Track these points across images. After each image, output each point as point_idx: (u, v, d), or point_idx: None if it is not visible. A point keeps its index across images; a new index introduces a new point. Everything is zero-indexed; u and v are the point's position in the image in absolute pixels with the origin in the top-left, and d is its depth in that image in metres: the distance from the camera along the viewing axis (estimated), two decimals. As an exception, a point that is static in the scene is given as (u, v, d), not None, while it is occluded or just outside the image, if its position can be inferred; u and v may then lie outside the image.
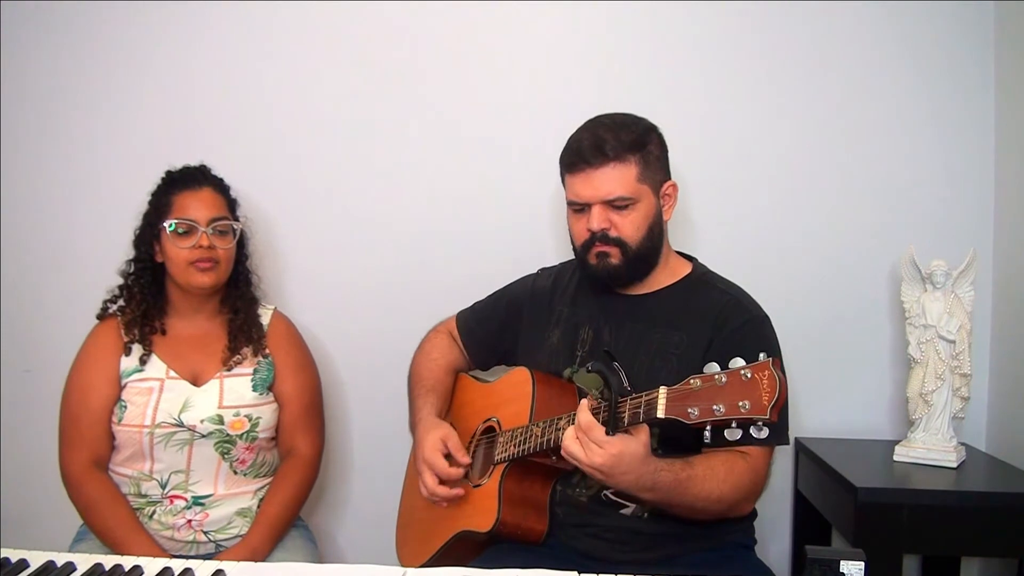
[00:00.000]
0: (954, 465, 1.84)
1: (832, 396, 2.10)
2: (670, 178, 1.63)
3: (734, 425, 1.18)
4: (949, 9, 2.07)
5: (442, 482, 1.58)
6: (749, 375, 1.17)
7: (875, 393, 2.11)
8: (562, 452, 1.35)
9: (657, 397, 1.25)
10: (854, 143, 2.10)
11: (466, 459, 1.61)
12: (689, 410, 1.21)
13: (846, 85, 2.09)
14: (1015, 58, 2.01)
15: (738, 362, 1.20)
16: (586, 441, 1.31)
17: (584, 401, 1.34)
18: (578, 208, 1.59)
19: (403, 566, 1.76)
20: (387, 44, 2.15)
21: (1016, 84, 2.01)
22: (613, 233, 1.56)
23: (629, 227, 1.56)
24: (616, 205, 1.55)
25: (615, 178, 1.54)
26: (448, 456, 1.60)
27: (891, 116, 2.09)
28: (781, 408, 1.17)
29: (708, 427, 1.20)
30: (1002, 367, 2.04)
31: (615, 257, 1.57)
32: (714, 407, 1.18)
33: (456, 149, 2.16)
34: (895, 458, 1.89)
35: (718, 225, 2.11)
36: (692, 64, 2.12)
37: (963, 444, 1.92)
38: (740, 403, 1.16)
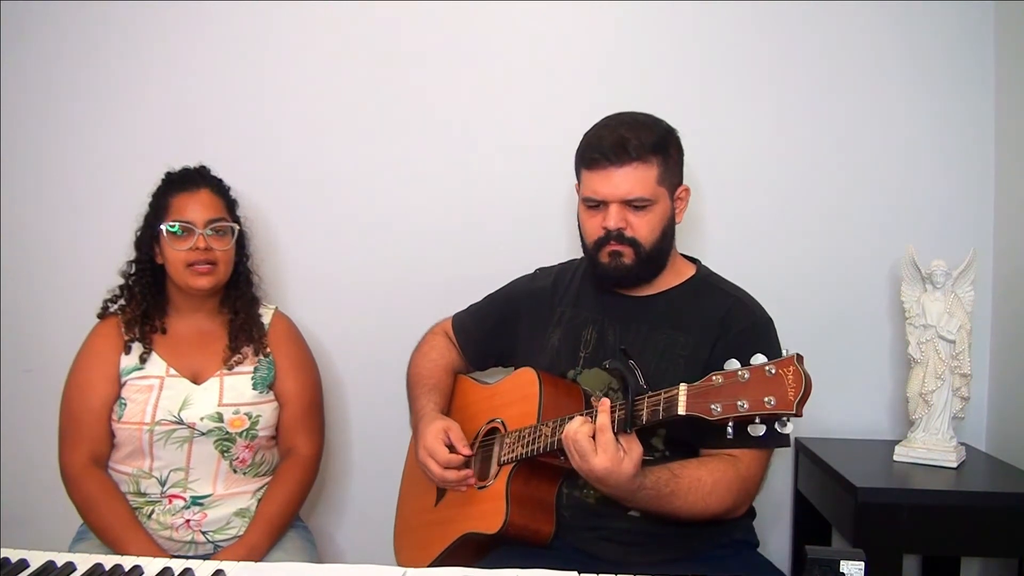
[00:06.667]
0: (954, 465, 1.84)
1: (832, 396, 2.08)
2: (683, 182, 1.63)
3: (758, 421, 1.18)
4: (949, 9, 2.06)
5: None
6: (773, 371, 1.16)
7: (875, 393, 2.11)
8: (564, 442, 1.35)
9: (677, 394, 1.25)
10: (854, 143, 2.10)
11: (467, 450, 1.60)
12: (712, 406, 1.20)
13: (846, 85, 2.09)
14: (1015, 58, 2.01)
15: (760, 358, 1.18)
16: (583, 452, 1.31)
17: (605, 401, 1.33)
18: (593, 205, 1.58)
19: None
20: (389, 44, 2.15)
21: (1016, 84, 2.01)
22: (629, 233, 1.55)
23: (645, 228, 1.55)
24: (634, 205, 1.54)
25: (636, 179, 1.53)
26: (450, 448, 1.59)
27: (891, 116, 2.09)
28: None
29: (731, 423, 1.20)
30: (1002, 367, 2.04)
31: (628, 257, 1.56)
32: (738, 403, 1.18)
33: (457, 149, 2.16)
34: (895, 458, 1.89)
35: (718, 225, 2.10)
36: (692, 64, 2.12)
37: (963, 444, 1.92)
38: (765, 399, 1.15)
